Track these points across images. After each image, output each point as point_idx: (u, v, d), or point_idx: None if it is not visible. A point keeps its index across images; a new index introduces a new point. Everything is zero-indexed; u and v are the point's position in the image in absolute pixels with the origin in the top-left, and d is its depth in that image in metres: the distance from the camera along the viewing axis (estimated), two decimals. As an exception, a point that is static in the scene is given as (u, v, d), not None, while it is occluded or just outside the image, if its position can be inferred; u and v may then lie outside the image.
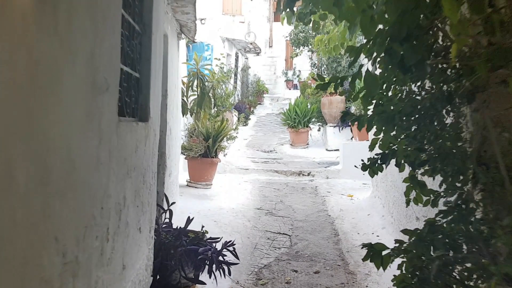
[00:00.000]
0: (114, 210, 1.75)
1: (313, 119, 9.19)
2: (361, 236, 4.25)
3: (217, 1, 19.19)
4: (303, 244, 4.10)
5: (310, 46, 12.52)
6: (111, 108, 1.58)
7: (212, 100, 5.82)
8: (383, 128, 1.95)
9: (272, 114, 15.83)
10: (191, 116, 5.67)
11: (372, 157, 2.05)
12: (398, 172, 4.06)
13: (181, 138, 5.33)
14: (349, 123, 8.84)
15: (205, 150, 5.37)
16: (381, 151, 1.98)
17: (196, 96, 5.59)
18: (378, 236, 4.17)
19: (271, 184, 6.55)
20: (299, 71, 20.13)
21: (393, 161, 1.91)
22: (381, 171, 2.04)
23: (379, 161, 2.03)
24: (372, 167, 2.04)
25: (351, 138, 8.67)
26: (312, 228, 4.58)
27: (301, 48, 13.38)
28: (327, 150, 8.72)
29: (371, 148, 2.10)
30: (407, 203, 1.90)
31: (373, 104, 2.01)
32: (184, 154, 5.30)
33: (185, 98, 5.43)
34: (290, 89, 19.44)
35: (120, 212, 1.83)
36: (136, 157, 2.10)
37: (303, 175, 7.02)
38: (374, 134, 2.08)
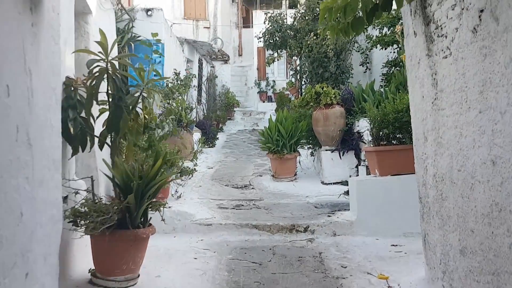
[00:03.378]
0: None
1: (302, 140, 6.77)
2: None
3: (178, 5, 16.74)
4: None
5: (288, 49, 10.30)
6: None
7: (142, 118, 3.29)
8: None
9: (244, 131, 13.43)
10: (101, 150, 3.11)
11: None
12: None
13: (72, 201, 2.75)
14: (354, 145, 6.49)
15: (123, 215, 2.79)
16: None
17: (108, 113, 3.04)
18: None
19: (247, 252, 4.02)
20: (273, 81, 17.93)
21: None
22: None
23: None
24: None
25: (356, 167, 6.30)
26: None
27: (278, 52, 11.16)
28: (323, 183, 6.29)
29: None
30: None
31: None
32: (77, 226, 2.70)
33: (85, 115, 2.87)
34: (264, 101, 17.21)
35: None
36: None
37: (297, 230, 4.54)
38: None
